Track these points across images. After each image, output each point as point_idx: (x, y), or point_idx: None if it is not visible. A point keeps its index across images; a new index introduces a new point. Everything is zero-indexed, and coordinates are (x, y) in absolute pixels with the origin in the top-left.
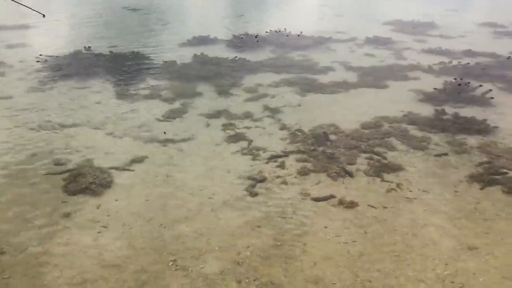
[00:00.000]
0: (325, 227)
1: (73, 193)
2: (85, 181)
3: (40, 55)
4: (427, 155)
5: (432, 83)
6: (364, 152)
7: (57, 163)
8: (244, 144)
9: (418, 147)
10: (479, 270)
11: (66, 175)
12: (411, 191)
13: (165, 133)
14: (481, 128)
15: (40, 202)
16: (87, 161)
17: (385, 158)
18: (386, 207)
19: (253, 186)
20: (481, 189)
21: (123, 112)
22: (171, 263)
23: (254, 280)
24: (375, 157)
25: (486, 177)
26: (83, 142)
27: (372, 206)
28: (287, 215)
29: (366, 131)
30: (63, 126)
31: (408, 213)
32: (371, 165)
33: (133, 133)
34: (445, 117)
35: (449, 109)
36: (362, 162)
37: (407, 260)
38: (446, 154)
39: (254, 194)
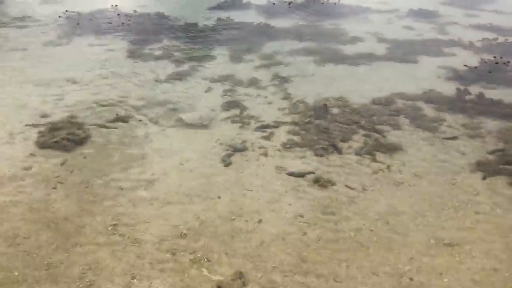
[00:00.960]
0: (289, 205)
1: (43, 146)
2: (58, 135)
3: (66, 11)
4: (434, 137)
5: (468, 60)
6: (364, 128)
7: (43, 115)
8: (239, 111)
9: (427, 128)
10: (448, 269)
11: (43, 128)
12: (401, 174)
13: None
14: (506, 112)
15: (6, 152)
16: (71, 117)
17: (384, 136)
18: (366, 189)
19: (231, 155)
20: (484, 179)
21: (126, 71)
22: (110, 227)
23: (190, 253)
24: (375, 135)
25: (494, 166)
26: (76, 97)
27: (350, 187)
28: (254, 188)
29: (375, 106)
30: (62, 80)
31: (389, 198)
32: (366, 143)
33: (128, 91)
34: (467, 97)
35: (476, 89)
36: (357, 139)
37: (368, 249)
38: (456, 138)
39: (228, 164)
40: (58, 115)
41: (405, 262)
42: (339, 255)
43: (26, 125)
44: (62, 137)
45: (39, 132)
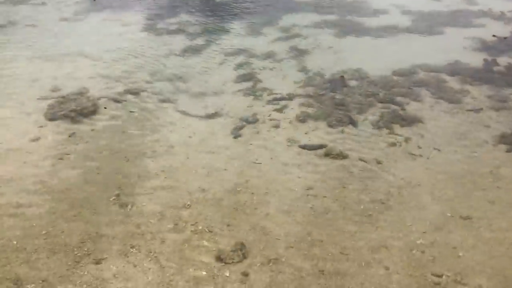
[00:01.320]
0: (299, 178)
1: (52, 119)
2: (67, 108)
3: None
4: (457, 109)
5: (498, 31)
6: (382, 101)
7: (54, 89)
8: (252, 84)
9: (450, 100)
10: (463, 244)
11: (53, 100)
12: (419, 148)
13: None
14: None
15: (15, 125)
16: (82, 89)
17: (404, 109)
18: (380, 162)
19: (241, 127)
20: (508, 151)
21: (140, 45)
22: (113, 197)
23: (192, 224)
24: (393, 107)
25: None
26: (88, 71)
27: (363, 160)
28: (263, 161)
29: (395, 78)
30: (75, 55)
31: (404, 171)
32: (384, 115)
33: (140, 66)
34: (495, 68)
35: (505, 60)
36: (374, 111)
37: (378, 222)
38: (480, 110)
39: (237, 136)
40: (68, 89)
41: (418, 236)
42: (347, 228)
43: (38, 99)
44: (71, 109)
45: (49, 105)
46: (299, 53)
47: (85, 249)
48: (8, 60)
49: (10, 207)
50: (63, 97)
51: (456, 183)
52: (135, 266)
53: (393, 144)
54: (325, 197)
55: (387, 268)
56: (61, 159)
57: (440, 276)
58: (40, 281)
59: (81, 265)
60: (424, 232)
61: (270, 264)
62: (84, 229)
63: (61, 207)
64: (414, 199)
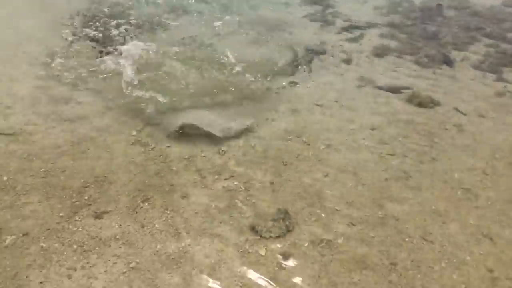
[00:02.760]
0: (372, 129)
1: (81, 36)
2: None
3: None
4: None
5: None
6: (488, 36)
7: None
8: (323, 8)
9: None
10: None
11: (91, 14)
12: None
13: None
14: None
15: (41, 40)
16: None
17: None
18: (483, 116)
19: (307, 59)
20: None
21: None
22: (135, 132)
23: (226, 179)
24: (503, 45)
25: None
26: None
27: (460, 111)
28: (326, 103)
29: (507, 9)
30: None
31: None
32: (490, 55)
33: None
34: None
35: None
36: (477, 49)
37: (479, 199)
38: None
39: (298, 69)
40: (108, 3)
41: None
42: (433, 203)
43: (73, 11)
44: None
45: (85, 19)
46: None
47: (86, 197)
48: None
49: (12, 134)
50: (102, 11)
51: None
52: (143, 226)
53: (502, 94)
54: (406, 157)
55: (490, 271)
56: (81, 83)
57: None
58: (21, 235)
59: (77, 218)
60: None
61: (322, 245)
62: (90, 169)
63: (70, 139)
64: None
